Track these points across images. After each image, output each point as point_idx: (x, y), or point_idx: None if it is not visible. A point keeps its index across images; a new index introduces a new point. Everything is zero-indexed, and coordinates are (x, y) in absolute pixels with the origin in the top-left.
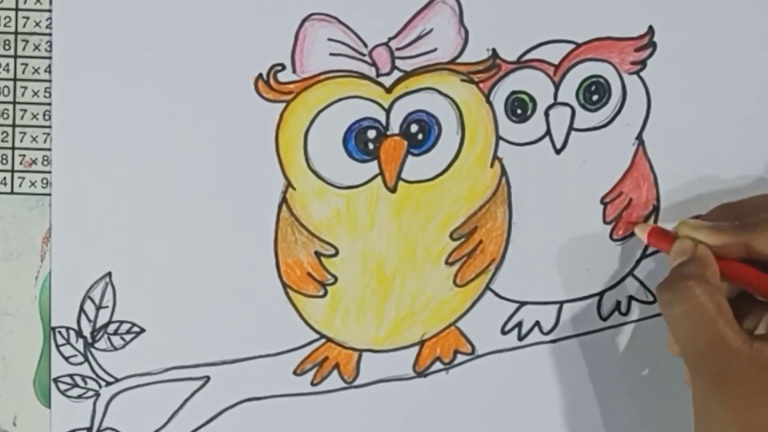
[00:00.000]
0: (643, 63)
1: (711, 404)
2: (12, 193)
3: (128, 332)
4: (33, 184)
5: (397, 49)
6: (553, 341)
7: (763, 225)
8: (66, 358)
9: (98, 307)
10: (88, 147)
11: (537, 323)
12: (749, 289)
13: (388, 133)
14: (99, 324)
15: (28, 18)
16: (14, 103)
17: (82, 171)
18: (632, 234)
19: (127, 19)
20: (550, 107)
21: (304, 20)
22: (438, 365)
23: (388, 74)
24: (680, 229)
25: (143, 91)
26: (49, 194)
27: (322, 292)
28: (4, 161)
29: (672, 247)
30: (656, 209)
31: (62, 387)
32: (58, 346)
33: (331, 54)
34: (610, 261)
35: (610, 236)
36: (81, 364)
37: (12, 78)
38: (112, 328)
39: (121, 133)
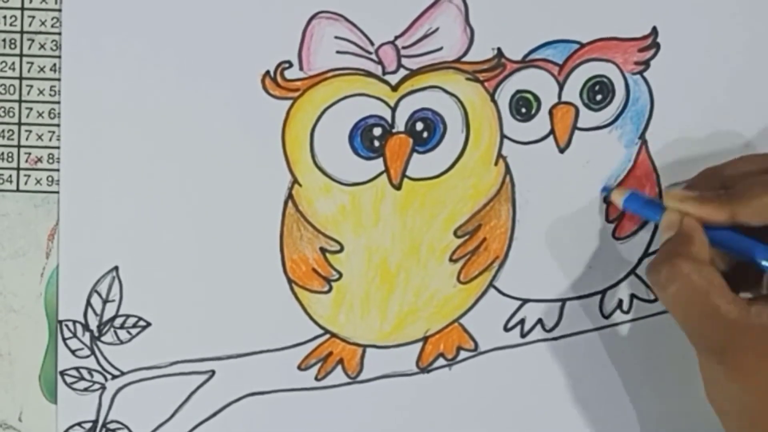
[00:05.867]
0: (646, 63)
1: (717, 376)
2: (17, 190)
3: (134, 326)
4: (38, 181)
5: (404, 47)
6: (555, 338)
7: (747, 194)
8: (72, 351)
9: (105, 301)
10: (95, 142)
11: (539, 320)
12: (738, 255)
13: (394, 130)
14: (105, 318)
15: (33, 17)
16: (20, 101)
17: (90, 166)
18: (634, 233)
19: (135, 18)
20: (554, 106)
21: (311, 18)
22: (441, 361)
23: (394, 72)
24: (666, 200)
25: (151, 87)
26: (55, 192)
27: (326, 288)
28: (10, 159)
29: (660, 222)
30: None
31: (68, 380)
32: (64, 340)
33: (338, 52)
34: (612, 259)
35: (613, 235)
36: (87, 357)
37: (18, 77)
38: (118, 321)
39: (128, 129)
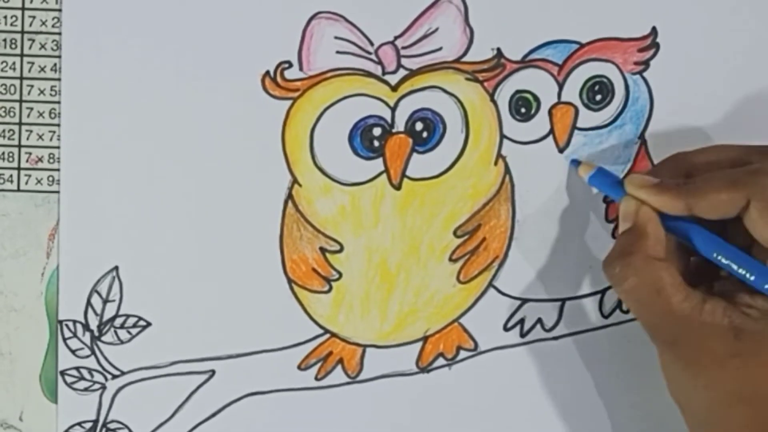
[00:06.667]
0: (646, 63)
1: (675, 370)
2: (18, 190)
3: (134, 326)
4: (39, 181)
5: (403, 47)
6: (555, 338)
7: (705, 186)
8: (73, 351)
9: (105, 301)
10: (96, 142)
11: (539, 320)
12: (692, 247)
13: (394, 130)
14: (106, 317)
15: (34, 17)
16: (20, 101)
17: (90, 166)
18: None
19: (135, 18)
20: (553, 106)
21: (311, 18)
22: (441, 361)
23: (393, 72)
24: (627, 185)
25: (151, 87)
26: (55, 192)
27: (326, 288)
28: (11, 159)
29: (619, 209)
30: None
31: (69, 380)
32: (65, 339)
33: (338, 52)
34: None
35: (612, 235)
36: (88, 357)
37: (18, 76)
38: (118, 321)
39: (128, 129)
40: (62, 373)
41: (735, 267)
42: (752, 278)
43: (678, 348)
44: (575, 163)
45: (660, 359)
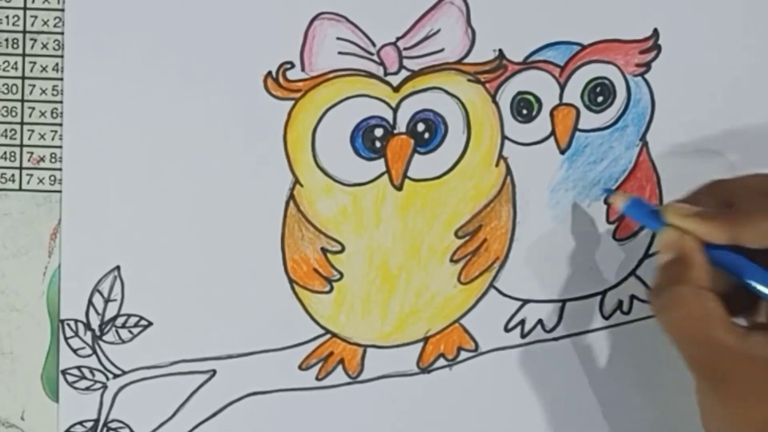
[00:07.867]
0: (647, 65)
1: (713, 402)
2: (20, 189)
3: (136, 325)
4: (41, 181)
5: (405, 48)
6: (555, 339)
7: (751, 215)
8: (74, 351)
9: (106, 301)
10: (98, 142)
11: (540, 321)
12: (734, 277)
13: (395, 131)
14: (107, 317)
15: (36, 17)
16: (22, 101)
17: (92, 166)
18: (635, 234)
19: (137, 18)
20: (555, 108)
21: (313, 19)
22: (441, 362)
23: (395, 73)
24: (667, 215)
25: (152, 87)
26: (57, 191)
27: (327, 288)
28: (13, 158)
29: (658, 240)
30: None
31: (70, 379)
32: (66, 339)
33: (340, 53)
34: (612, 260)
35: (613, 236)
36: (89, 356)
37: (20, 76)
38: (120, 321)
39: (130, 129)
40: (63, 372)
41: None
42: None
43: (720, 381)
44: (607, 191)
45: (697, 389)
